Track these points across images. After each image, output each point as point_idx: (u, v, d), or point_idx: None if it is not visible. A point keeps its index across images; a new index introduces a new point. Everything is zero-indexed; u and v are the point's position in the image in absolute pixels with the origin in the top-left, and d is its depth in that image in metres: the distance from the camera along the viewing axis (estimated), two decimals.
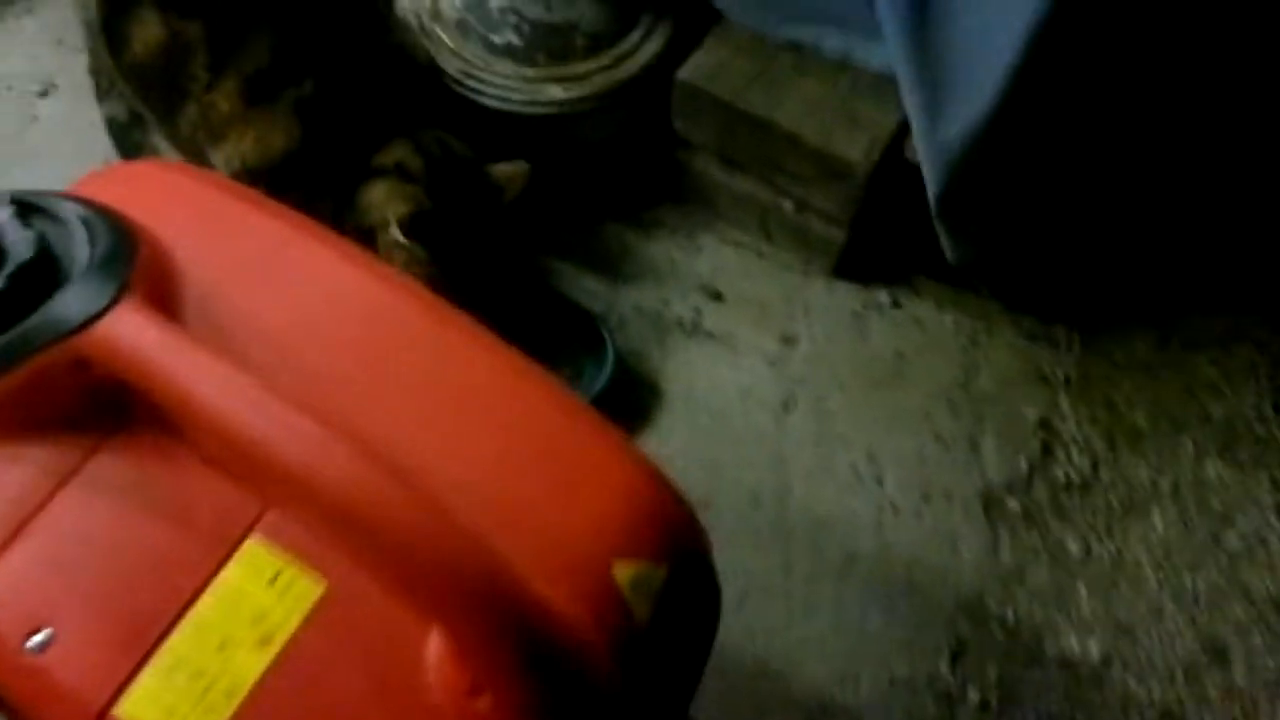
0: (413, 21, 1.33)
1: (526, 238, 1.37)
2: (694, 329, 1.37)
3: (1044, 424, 1.35)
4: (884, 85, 1.27)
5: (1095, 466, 1.33)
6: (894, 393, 1.36)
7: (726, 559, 1.20)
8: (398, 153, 1.19)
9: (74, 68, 1.36)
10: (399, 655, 0.65)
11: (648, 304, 1.38)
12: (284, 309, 0.76)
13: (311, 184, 1.21)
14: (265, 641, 0.64)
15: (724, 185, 1.39)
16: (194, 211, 0.81)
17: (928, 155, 1.23)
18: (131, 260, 0.68)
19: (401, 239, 1.17)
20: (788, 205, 1.36)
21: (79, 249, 0.69)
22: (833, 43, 1.32)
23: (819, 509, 1.28)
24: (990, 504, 1.30)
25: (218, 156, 1.20)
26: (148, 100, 1.23)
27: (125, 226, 0.72)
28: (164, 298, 0.71)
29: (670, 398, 1.33)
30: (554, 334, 1.32)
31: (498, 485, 0.71)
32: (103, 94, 1.32)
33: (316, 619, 0.66)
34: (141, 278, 0.68)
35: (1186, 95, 1.25)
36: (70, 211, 0.71)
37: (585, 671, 0.65)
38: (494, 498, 0.70)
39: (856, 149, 1.27)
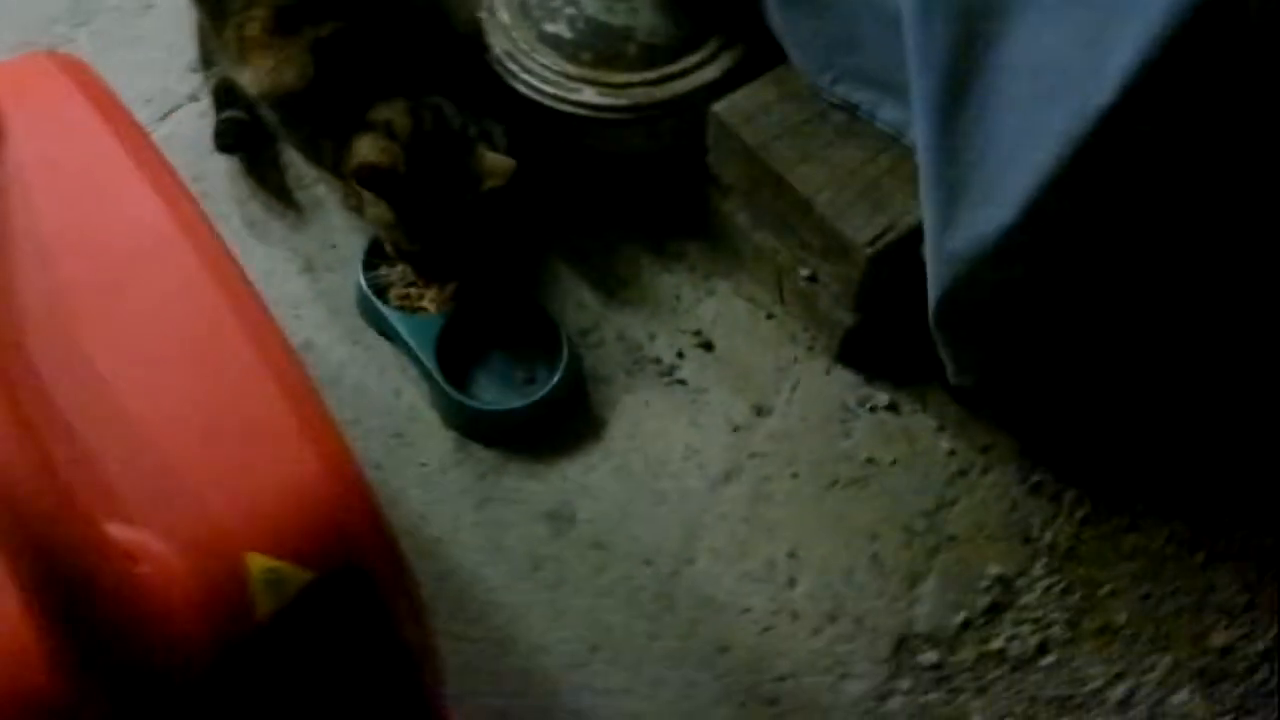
0: None
1: (512, 231, 1.34)
2: (668, 372, 1.31)
3: (1003, 582, 1.21)
4: None
5: (1043, 647, 1.18)
6: (848, 500, 1.25)
7: (593, 608, 1.18)
8: (390, 111, 1.20)
9: None
10: None
11: (633, 333, 1.33)
12: (66, 214, 0.80)
13: (318, 123, 1.24)
14: None
15: (747, 234, 1.31)
16: (57, 109, 0.86)
17: (933, 258, 1.12)
18: None
19: (357, 185, 1.18)
20: (803, 273, 1.27)
21: None
22: (888, 114, 1.21)
23: (712, 590, 1.20)
24: (902, 647, 1.17)
25: (242, 76, 1.25)
26: (203, 11, 1.29)
27: None
28: None
29: (612, 432, 1.28)
30: (518, 334, 1.31)
31: (173, 438, 0.71)
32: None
33: None
34: None
35: (1232, 242, 1.08)
36: None
37: (143, 637, 0.63)
38: (160, 448, 0.70)
39: (865, 232, 1.17)
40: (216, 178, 1.42)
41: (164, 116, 1.45)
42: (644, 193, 1.39)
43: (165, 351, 0.74)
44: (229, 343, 0.74)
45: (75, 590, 0.60)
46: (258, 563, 0.67)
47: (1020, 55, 1.01)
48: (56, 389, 0.72)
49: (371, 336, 1.32)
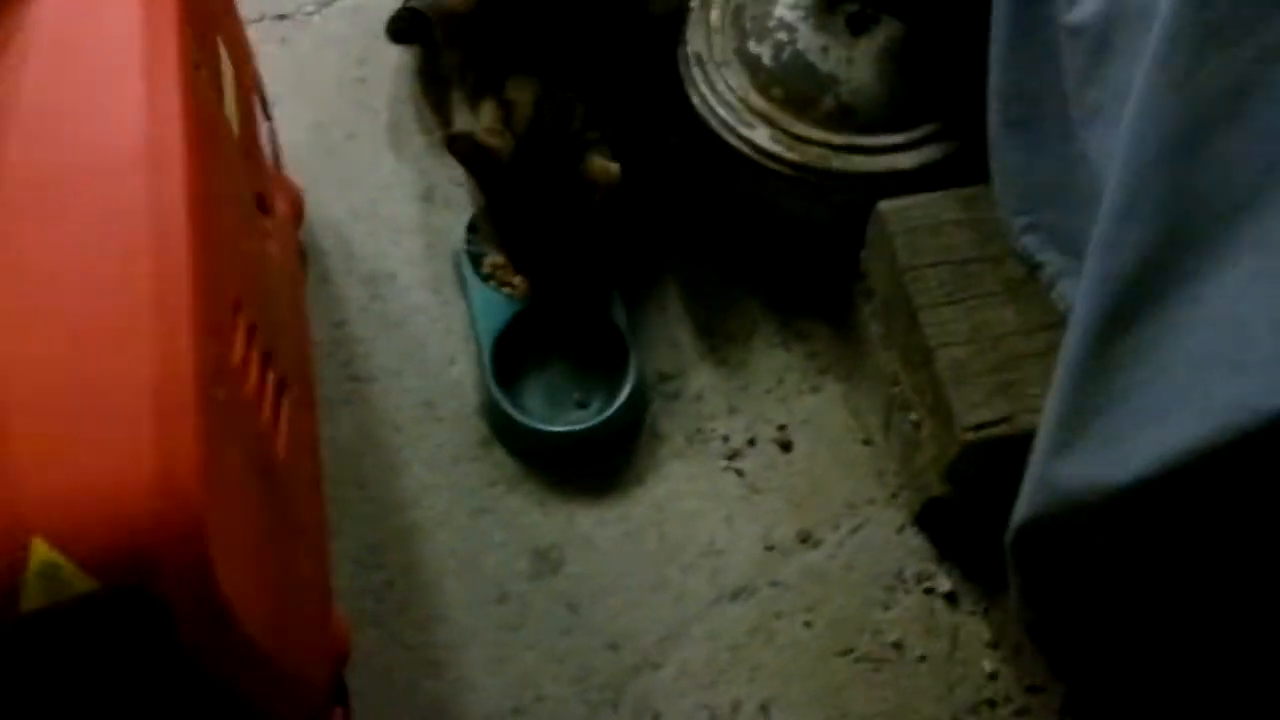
0: None
1: (625, 242, 1.21)
2: (730, 455, 1.17)
3: None
4: None
5: None
6: (854, 677, 1.08)
7: (536, 669, 1.07)
8: (521, 94, 1.09)
9: None
10: None
11: (714, 399, 1.19)
12: (52, 95, 0.74)
13: (466, 55, 1.15)
14: None
15: (873, 347, 1.14)
16: None
17: (1031, 477, 0.94)
18: None
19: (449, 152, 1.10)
20: (911, 417, 1.10)
21: None
22: (1069, 288, 1.01)
23: (664, 707, 1.06)
24: None
25: None
26: None
27: None
28: None
29: (641, 495, 1.15)
30: (589, 352, 1.19)
31: (22, 381, 0.63)
32: None
33: None
34: None
35: None
36: None
37: None
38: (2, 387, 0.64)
39: (974, 414, 0.99)
40: (382, 66, 1.35)
41: None
42: (792, 256, 1.23)
43: (65, 283, 0.66)
44: (133, 303, 0.65)
45: None
46: (41, 552, 0.59)
47: (1209, 305, 0.80)
48: None
49: (454, 292, 1.23)
